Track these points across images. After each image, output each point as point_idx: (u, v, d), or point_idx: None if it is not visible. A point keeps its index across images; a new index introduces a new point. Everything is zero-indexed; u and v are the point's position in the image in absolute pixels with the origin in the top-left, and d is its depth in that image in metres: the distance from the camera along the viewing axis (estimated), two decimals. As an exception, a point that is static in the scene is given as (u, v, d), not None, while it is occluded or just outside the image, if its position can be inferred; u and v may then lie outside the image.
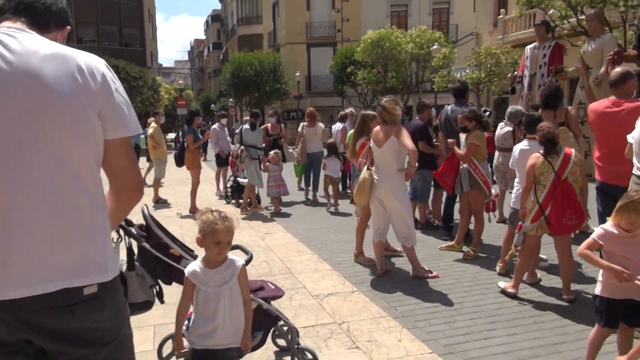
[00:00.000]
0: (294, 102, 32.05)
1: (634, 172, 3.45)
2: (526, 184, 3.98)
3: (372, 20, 30.41)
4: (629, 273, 2.51)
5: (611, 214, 3.99)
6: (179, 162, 8.54)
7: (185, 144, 8.49)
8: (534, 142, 4.23)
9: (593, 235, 2.74)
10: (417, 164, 4.52)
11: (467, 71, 21.17)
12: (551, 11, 11.76)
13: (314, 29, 34.41)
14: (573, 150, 3.88)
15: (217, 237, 2.33)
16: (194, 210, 8.36)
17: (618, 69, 3.85)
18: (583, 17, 10.89)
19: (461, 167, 5.24)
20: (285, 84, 31.57)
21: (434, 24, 31.42)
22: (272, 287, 3.01)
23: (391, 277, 4.80)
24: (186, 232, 6.50)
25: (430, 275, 4.66)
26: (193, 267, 2.39)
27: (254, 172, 8.15)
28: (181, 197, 9.74)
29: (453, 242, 5.58)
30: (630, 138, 3.51)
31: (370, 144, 4.75)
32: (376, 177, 4.63)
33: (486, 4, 24.48)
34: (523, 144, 4.46)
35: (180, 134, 24.47)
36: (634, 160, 3.44)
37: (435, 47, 22.01)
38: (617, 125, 3.69)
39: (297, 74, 31.21)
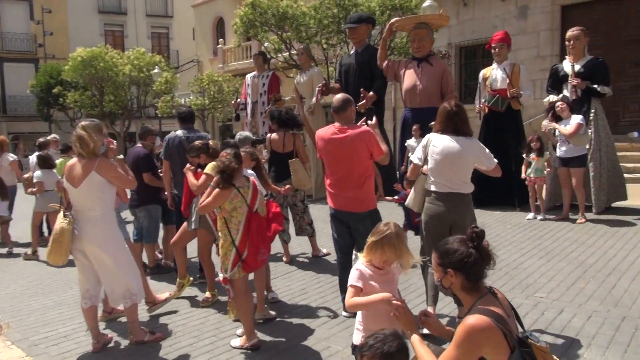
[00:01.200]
0: (-18, 127, 26.06)
1: (431, 188, 3.53)
2: (208, 202, 3.51)
3: (82, 37, 27.40)
4: (399, 300, 2.28)
5: (345, 240, 4.06)
6: None
7: None
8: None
9: (351, 282, 2.45)
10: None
11: (191, 97, 20.94)
12: (266, 44, 12.45)
13: (8, 41, 28.90)
14: (255, 180, 3.72)
15: None
16: None
17: (339, 96, 3.88)
18: (294, 51, 11.87)
19: (195, 199, 4.62)
20: (-33, 105, 25.40)
21: (153, 48, 30.34)
22: None
23: (111, 349, 3.77)
24: None
25: (150, 338, 3.81)
26: None
27: None
28: None
29: (179, 279, 4.85)
30: (415, 159, 3.61)
31: (64, 183, 3.65)
32: (76, 226, 3.56)
33: (205, 33, 24.90)
34: None
35: None
36: (431, 178, 3.48)
37: (155, 70, 21.06)
38: (345, 151, 3.70)
39: (-15, 92, 25.54)
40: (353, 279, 2.44)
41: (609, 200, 6.85)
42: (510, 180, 7.45)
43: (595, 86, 6.64)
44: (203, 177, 4.29)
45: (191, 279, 4.90)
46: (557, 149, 6.43)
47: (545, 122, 6.65)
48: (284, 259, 5.66)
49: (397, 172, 8.72)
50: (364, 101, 8.88)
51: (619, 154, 10.02)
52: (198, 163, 4.45)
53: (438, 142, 3.53)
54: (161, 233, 6.00)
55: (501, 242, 5.60)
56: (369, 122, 3.84)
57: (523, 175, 6.72)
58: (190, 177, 4.37)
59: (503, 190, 7.59)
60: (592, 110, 6.69)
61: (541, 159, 6.53)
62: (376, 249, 2.41)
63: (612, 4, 11.23)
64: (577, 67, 6.75)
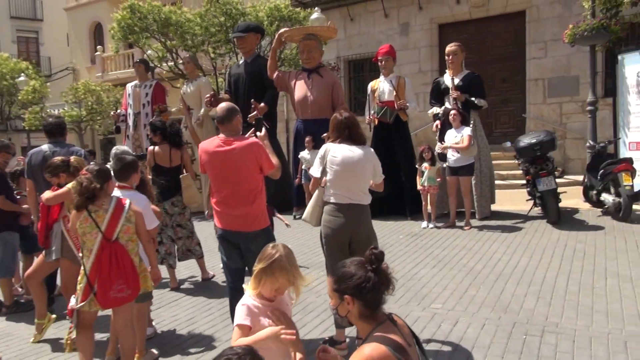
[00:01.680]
0: None
1: (330, 200, 3.41)
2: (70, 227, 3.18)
3: None
4: (289, 333, 1.99)
5: (236, 263, 3.70)
6: None
7: None
8: (129, 192, 3.51)
9: (238, 320, 2.10)
10: None
11: (65, 108, 19.06)
12: (149, 51, 11.66)
13: None
14: (128, 201, 3.21)
15: None
16: None
17: (224, 104, 3.54)
18: (180, 60, 11.24)
19: (55, 224, 3.96)
20: None
21: (20, 53, 27.28)
22: None
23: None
24: None
25: None
26: None
27: None
28: None
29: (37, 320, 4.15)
30: (315, 172, 3.45)
31: None
32: None
33: (81, 39, 22.95)
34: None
35: None
36: (330, 190, 3.40)
37: (21, 78, 18.85)
38: (231, 165, 3.36)
39: None
40: (240, 317, 2.10)
41: (489, 206, 7.28)
42: (401, 190, 7.62)
43: (474, 99, 7.05)
44: (64, 188, 3.67)
45: (53, 317, 4.20)
46: (447, 159, 6.67)
47: (439, 145, 6.83)
48: (170, 285, 5.14)
49: (292, 185, 8.55)
50: (255, 112, 8.62)
51: (493, 162, 10.88)
52: (58, 183, 3.82)
53: (337, 152, 3.42)
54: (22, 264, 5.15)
55: (395, 252, 5.62)
56: (258, 133, 3.56)
57: (419, 186, 6.84)
58: (45, 195, 3.75)
59: (395, 200, 7.75)
60: (472, 122, 7.08)
61: (434, 168, 6.72)
62: (266, 277, 2.10)
63: (481, 25, 12.23)
64: (457, 80, 7.11)
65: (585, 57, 10.58)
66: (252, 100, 8.48)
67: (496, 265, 4.90)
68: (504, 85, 12.09)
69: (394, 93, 7.42)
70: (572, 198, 7.83)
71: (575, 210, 7.20)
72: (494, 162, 10.86)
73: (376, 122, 7.68)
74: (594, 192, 6.89)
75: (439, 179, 6.74)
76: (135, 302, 3.32)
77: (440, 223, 6.86)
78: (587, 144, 7.94)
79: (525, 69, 11.62)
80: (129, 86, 9.31)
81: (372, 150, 3.61)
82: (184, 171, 5.08)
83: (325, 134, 7.80)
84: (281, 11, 9.82)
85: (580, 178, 10.15)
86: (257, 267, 2.12)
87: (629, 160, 6.37)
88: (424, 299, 4.19)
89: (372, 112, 7.67)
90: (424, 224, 6.89)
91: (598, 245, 5.26)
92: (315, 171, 3.56)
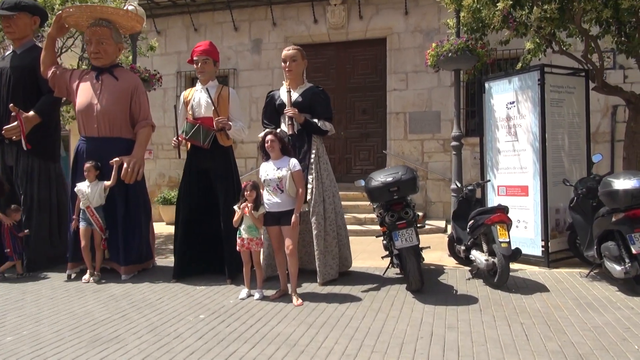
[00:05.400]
0: None
1: None
2: None
3: None
4: None
5: None
6: None
7: None
8: None
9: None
10: None
11: None
12: None
13: None
14: None
15: None
16: None
17: None
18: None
19: None
20: None
21: None
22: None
23: None
24: None
25: None
26: None
27: None
28: None
29: None
30: None
31: None
32: None
33: None
34: None
35: None
36: None
37: None
38: None
39: None
40: None
41: (339, 267, 5.37)
42: (220, 241, 5.51)
43: (316, 120, 5.28)
44: None
45: None
46: (266, 201, 4.66)
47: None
48: None
49: (68, 234, 5.94)
50: (15, 123, 6.01)
51: (350, 203, 9.29)
52: None
53: None
54: None
55: (174, 354, 3.38)
56: None
57: (238, 240, 4.69)
58: None
59: (211, 255, 5.63)
60: (313, 151, 5.27)
61: (256, 214, 4.65)
62: None
63: (340, 49, 10.95)
64: (295, 95, 5.31)
65: (447, 92, 9.73)
66: (12, 105, 5.88)
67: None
68: (364, 118, 10.82)
69: (213, 107, 5.37)
70: (435, 250, 6.40)
71: (440, 270, 5.69)
72: (351, 203, 9.33)
73: (188, 146, 5.55)
74: (462, 247, 5.44)
75: (260, 229, 4.67)
76: None
77: (269, 291, 4.84)
78: (453, 187, 6.62)
79: (386, 101, 10.48)
80: None
81: None
82: None
83: (116, 159, 5.45)
84: (83, -4, 7.38)
85: (442, 224, 9.00)
86: None
87: (504, 209, 4.98)
88: None
89: (180, 131, 5.49)
90: (243, 293, 4.79)
91: (475, 336, 3.60)
92: None
